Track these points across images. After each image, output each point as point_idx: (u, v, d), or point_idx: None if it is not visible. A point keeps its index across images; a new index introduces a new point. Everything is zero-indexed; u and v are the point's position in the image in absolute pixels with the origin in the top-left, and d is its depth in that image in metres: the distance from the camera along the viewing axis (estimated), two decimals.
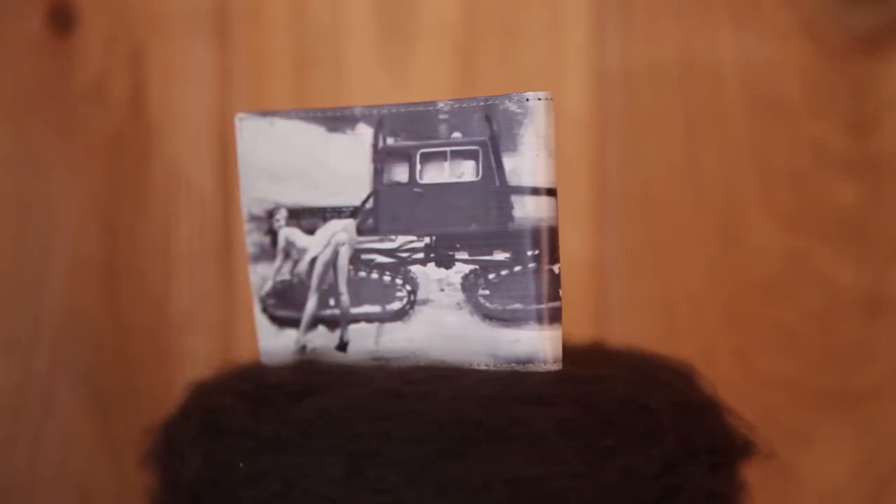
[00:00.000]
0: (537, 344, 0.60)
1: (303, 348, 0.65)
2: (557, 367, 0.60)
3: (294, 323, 0.65)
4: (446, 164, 0.62)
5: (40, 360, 0.87)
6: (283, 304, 0.66)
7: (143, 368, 0.88)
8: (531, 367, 0.60)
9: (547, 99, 0.60)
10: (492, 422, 0.56)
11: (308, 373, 0.62)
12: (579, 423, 0.57)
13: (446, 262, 0.62)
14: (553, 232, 0.60)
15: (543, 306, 0.60)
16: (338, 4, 0.89)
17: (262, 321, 0.66)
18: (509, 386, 0.59)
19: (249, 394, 0.61)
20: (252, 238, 0.66)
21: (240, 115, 0.66)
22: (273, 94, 0.88)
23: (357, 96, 0.88)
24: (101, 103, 0.87)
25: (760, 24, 0.88)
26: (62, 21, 0.87)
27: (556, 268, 0.60)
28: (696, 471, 0.59)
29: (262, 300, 0.66)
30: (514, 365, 0.61)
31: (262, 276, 0.66)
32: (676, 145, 0.89)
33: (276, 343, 0.66)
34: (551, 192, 0.60)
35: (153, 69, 0.88)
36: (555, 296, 0.60)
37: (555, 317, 0.60)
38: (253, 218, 0.66)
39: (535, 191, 0.60)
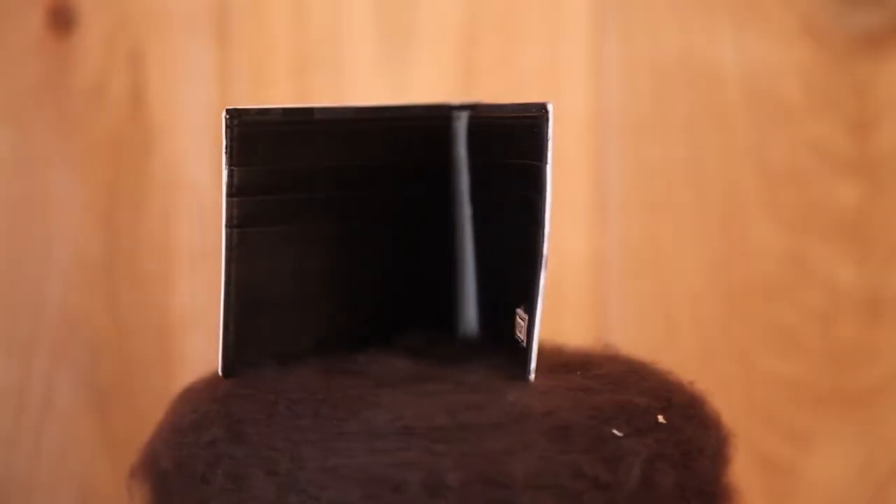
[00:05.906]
0: None
1: None
2: None
3: None
4: None
5: (40, 360, 0.87)
6: None
7: (143, 369, 0.88)
8: None
9: None
10: None
11: None
12: None
13: None
14: None
15: None
16: (338, 4, 0.89)
17: None
18: None
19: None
20: None
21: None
22: (273, 94, 0.88)
23: (357, 96, 0.88)
24: (101, 103, 0.87)
25: (761, 25, 0.88)
26: (62, 21, 0.87)
27: None
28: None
29: None
30: None
31: None
32: (676, 145, 0.89)
33: None
34: None
35: (153, 69, 0.88)
36: None
37: None
38: None
39: None
